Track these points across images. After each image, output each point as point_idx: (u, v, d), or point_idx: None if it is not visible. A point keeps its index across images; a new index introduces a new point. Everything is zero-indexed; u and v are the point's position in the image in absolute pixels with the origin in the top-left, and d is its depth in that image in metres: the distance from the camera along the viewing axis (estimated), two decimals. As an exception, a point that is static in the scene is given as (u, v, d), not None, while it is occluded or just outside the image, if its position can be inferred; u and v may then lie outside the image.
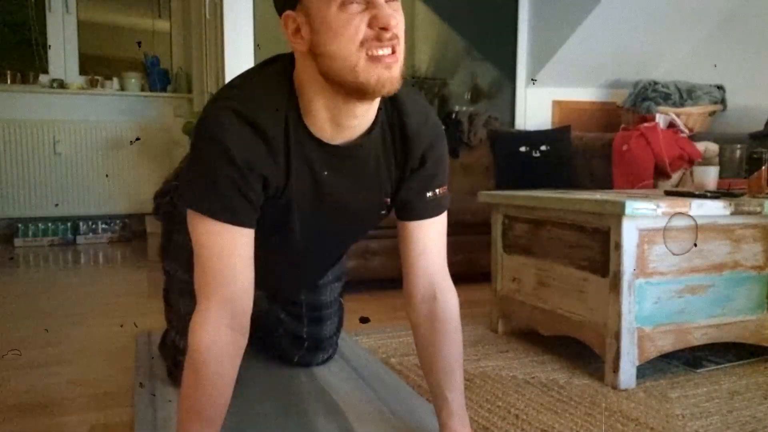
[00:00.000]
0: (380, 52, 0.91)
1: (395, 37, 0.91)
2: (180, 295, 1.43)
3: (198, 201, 0.97)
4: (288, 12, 0.94)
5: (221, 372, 0.99)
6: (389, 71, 0.92)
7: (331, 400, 1.43)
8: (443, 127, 1.16)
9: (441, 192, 1.14)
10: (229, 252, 0.98)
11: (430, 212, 1.13)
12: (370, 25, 0.90)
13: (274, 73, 1.02)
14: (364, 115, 1.02)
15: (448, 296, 1.17)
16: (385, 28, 0.89)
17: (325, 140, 1.02)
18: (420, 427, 1.29)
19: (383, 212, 1.18)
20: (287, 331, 1.63)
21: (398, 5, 0.94)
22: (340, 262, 1.64)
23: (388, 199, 1.15)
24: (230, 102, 0.97)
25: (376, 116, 1.05)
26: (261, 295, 1.69)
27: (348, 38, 0.90)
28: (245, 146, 0.95)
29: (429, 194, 1.13)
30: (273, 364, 1.68)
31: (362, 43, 0.90)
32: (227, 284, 0.98)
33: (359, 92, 0.94)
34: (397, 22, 0.91)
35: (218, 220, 0.96)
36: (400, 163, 1.11)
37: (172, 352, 1.49)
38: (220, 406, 1.00)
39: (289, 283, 1.53)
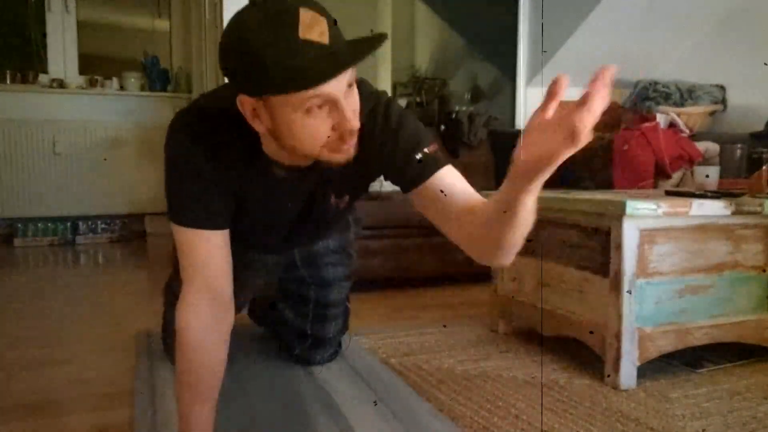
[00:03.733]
0: (344, 146, 0.92)
1: (356, 130, 0.91)
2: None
3: (171, 212, 1.08)
4: (244, 97, 0.91)
5: (206, 347, 1.08)
6: (348, 153, 0.95)
7: (331, 400, 1.43)
8: (379, 93, 1.09)
9: (431, 149, 1.05)
10: (203, 248, 1.07)
11: (431, 168, 1.04)
12: (333, 128, 0.90)
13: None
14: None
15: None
16: (349, 132, 0.90)
17: (279, 162, 1.06)
18: (419, 428, 1.29)
19: (334, 210, 1.26)
20: (293, 326, 1.68)
21: (354, 90, 0.91)
22: (348, 254, 1.67)
23: (340, 199, 1.23)
24: (188, 126, 1.04)
25: None
26: (272, 286, 1.73)
27: (311, 142, 0.91)
28: (205, 164, 1.03)
29: (419, 155, 1.04)
30: (274, 364, 1.68)
31: (326, 144, 0.91)
32: (204, 269, 1.07)
33: (316, 160, 0.99)
34: (356, 113, 0.91)
35: (189, 228, 1.07)
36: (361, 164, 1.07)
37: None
38: (211, 380, 1.09)
39: (282, 245, 1.51)
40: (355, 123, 0.90)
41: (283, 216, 1.26)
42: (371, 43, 0.87)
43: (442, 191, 1.03)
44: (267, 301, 1.83)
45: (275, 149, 1.02)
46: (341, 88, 0.87)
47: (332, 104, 0.87)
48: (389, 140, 1.05)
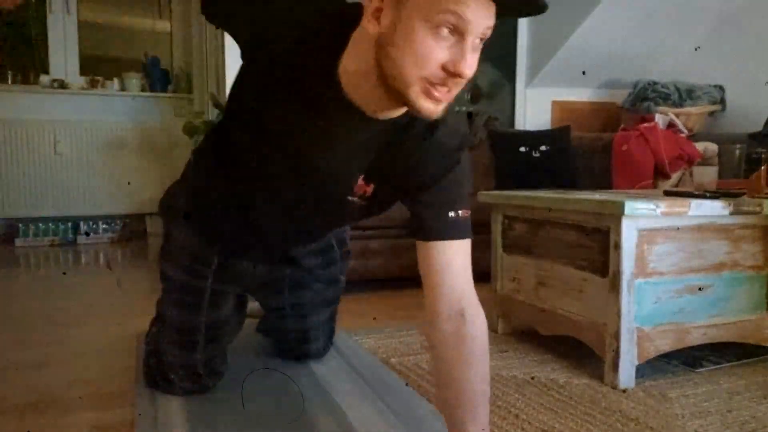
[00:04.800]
0: (437, 93, 0.85)
1: (461, 82, 0.85)
2: (173, 306, 1.43)
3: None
4: None
5: None
6: (436, 106, 0.87)
7: (331, 400, 1.43)
8: (467, 157, 1.10)
9: (463, 215, 1.07)
10: None
11: (453, 233, 1.06)
12: (445, 66, 0.82)
13: (338, 17, 0.94)
14: (392, 113, 0.97)
15: (477, 313, 1.07)
16: (458, 76, 0.83)
17: (347, 96, 0.95)
18: (421, 428, 1.29)
19: (351, 198, 1.10)
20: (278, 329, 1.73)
21: (478, 55, 0.86)
22: (336, 279, 1.66)
23: (363, 190, 1.09)
24: (283, 14, 0.97)
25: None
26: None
27: (419, 64, 0.83)
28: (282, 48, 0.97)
29: (451, 214, 1.06)
30: (273, 363, 1.69)
31: (427, 78, 0.83)
32: None
33: (398, 100, 0.89)
34: (473, 72, 0.84)
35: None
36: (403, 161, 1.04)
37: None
38: None
39: (280, 236, 1.42)
40: (469, 71, 0.83)
41: (306, 182, 1.11)
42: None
43: (443, 256, 1.05)
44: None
45: (355, 74, 0.92)
46: (480, 26, 0.82)
47: (460, 36, 0.81)
48: (442, 179, 1.04)
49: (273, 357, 1.73)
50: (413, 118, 0.96)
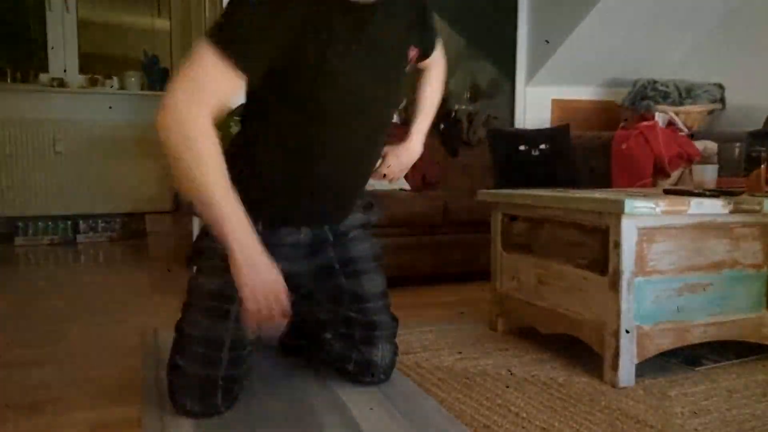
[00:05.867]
0: None
1: None
2: (200, 315, 1.34)
3: (222, 32, 1.14)
4: None
5: (215, 139, 1.14)
6: None
7: (337, 397, 1.44)
8: None
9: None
10: (224, 84, 1.14)
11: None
12: None
13: None
14: None
15: (440, 59, 1.63)
16: None
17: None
18: (424, 424, 1.29)
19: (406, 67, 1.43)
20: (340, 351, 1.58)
21: None
22: (369, 236, 1.62)
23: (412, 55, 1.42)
24: None
25: None
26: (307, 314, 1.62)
27: None
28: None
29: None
30: (279, 362, 1.69)
31: None
32: (212, 103, 1.14)
33: None
34: None
35: (229, 58, 1.12)
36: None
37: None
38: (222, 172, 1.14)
39: (330, 193, 1.46)
40: None
41: (367, 80, 1.32)
42: None
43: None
44: (307, 330, 1.71)
45: None
46: None
47: None
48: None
49: (278, 357, 1.73)
50: None
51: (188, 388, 1.31)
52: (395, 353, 1.56)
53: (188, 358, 1.32)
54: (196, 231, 2.93)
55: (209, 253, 1.35)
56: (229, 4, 1.16)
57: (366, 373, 1.52)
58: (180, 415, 1.32)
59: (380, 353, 1.52)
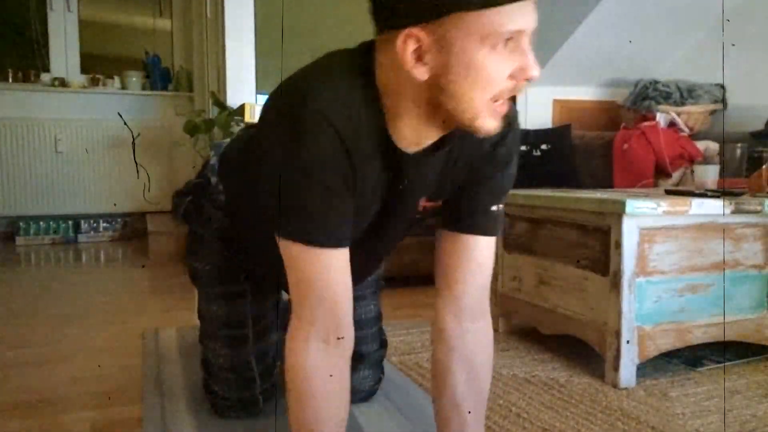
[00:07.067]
0: (499, 109, 0.82)
1: (524, 86, 0.81)
2: (220, 345, 1.32)
3: (292, 227, 0.87)
4: (412, 30, 0.76)
5: (329, 391, 0.91)
6: (498, 122, 0.84)
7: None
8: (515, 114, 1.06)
9: (502, 207, 1.03)
10: (329, 272, 0.89)
11: (492, 229, 1.01)
12: (512, 75, 0.79)
13: (358, 75, 0.86)
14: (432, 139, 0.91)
15: (489, 324, 1.05)
16: (529, 79, 0.79)
17: (403, 149, 0.89)
18: (426, 423, 1.29)
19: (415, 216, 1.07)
20: None
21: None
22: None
23: (423, 206, 1.04)
24: (323, 107, 0.82)
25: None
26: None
27: (488, 88, 0.79)
28: (345, 160, 0.84)
29: (494, 208, 1.01)
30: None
31: (495, 96, 0.80)
32: (327, 299, 0.89)
33: (460, 129, 0.86)
34: (539, 69, 0.81)
35: (321, 248, 0.87)
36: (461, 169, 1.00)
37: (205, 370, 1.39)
38: (334, 426, 0.92)
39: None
40: (537, 71, 0.79)
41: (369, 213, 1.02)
42: None
43: (478, 252, 1.00)
44: None
45: (408, 120, 0.86)
46: (531, 26, 0.77)
47: (516, 42, 0.77)
48: (498, 174, 1.00)
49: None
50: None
51: (230, 408, 1.33)
52: (379, 379, 1.47)
53: (222, 385, 1.32)
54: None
55: (206, 279, 1.33)
56: (282, 190, 0.88)
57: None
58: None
59: (360, 378, 1.41)
